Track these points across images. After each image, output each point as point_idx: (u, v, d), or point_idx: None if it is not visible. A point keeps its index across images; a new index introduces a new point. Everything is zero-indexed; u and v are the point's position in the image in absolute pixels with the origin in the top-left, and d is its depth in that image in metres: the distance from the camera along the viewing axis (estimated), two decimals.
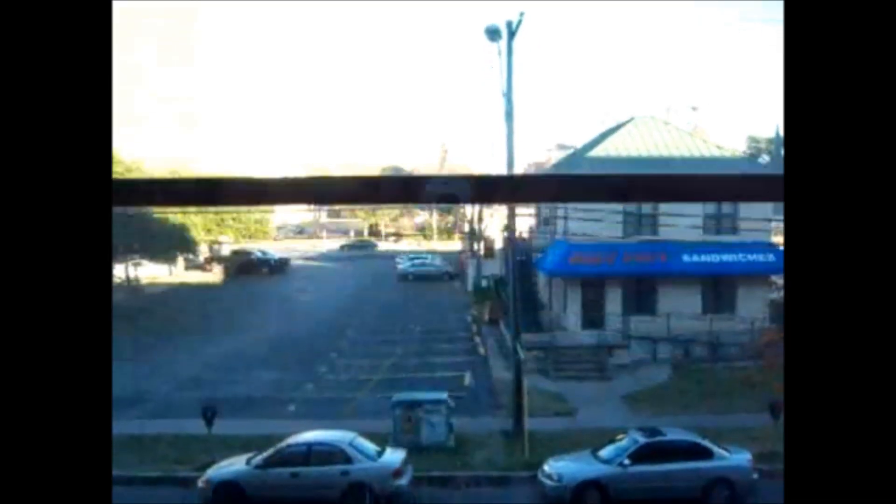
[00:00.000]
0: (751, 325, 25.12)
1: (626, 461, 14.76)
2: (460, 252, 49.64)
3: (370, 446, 15.32)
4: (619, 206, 25.84)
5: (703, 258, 25.62)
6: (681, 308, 25.48)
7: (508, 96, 18.95)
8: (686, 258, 25.54)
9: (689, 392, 22.11)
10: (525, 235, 34.50)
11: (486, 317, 31.60)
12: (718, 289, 26.37)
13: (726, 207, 26.27)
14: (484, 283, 36.68)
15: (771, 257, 25.66)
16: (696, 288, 26.18)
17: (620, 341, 25.04)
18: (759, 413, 18.02)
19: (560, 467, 15.09)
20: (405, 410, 17.60)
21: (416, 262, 47.28)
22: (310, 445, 15.12)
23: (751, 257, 25.69)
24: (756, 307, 25.71)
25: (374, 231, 71.15)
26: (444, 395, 18.14)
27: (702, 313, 25.87)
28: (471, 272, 40.05)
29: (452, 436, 17.76)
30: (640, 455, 14.90)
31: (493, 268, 38.01)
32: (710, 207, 26.17)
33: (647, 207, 26.11)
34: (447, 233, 65.76)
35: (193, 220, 38.12)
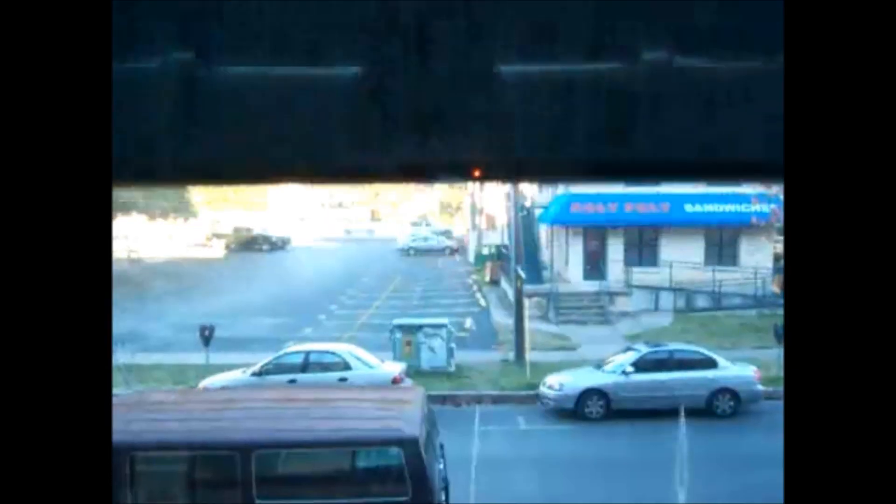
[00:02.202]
0: (753, 274, 24.98)
1: (629, 369, 14.58)
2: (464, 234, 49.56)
3: (368, 357, 15.18)
4: None
5: (707, 207, 25.43)
6: (683, 258, 25.30)
7: None
8: (689, 208, 25.37)
9: (692, 333, 21.94)
10: (526, 195, 34.32)
11: (488, 278, 31.49)
12: (722, 239, 26.22)
13: None
14: (485, 251, 36.60)
15: (774, 208, 25.47)
16: (698, 238, 26.01)
17: (622, 289, 24.89)
18: (761, 349, 17.93)
19: (562, 378, 14.91)
20: (404, 334, 17.42)
21: (417, 237, 47.22)
22: (308, 354, 14.99)
23: (754, 207, 25.51)
24: (759, 258, 25.56)
25: (374, 217, 71.05)
26: (444, 321, 17.99)
27: (704, 263, 25.70)
28: (472, 244, 39.94)
29: (453, 361, 17.58)
30: (644, 364, 14.73)
31: (496, 241, 37.89)
32: None
33: None
34: (449, 216, 65.56)
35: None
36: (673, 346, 15.62)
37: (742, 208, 25.48)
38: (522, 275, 17.68)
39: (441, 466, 8.38)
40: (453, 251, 44.48)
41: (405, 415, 8.05)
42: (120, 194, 31.09)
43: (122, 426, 7.25)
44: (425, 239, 46.75)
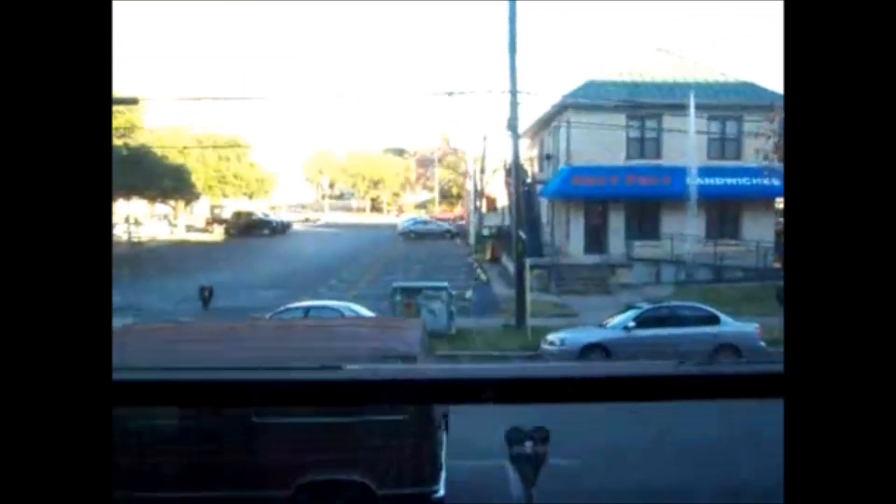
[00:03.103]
0: (755, 248, 24.87)
1: (631, 324, 14.48)
2: (461, 219, 49.39)
3: (368, 312, 15.11)
4: (622, 131, 25.64)
5: (707, 181, 25.30)
6: (684, 231, 25.19)
7: (512, 23, 18.28)
8: (689, 181, 25.23)
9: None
10: (528, 169, 34.18)
11: (489, 256, 31.43)
12: (723, 212, 26.10)
13: (730, 130, 26.04)
14: (486, 231, 36.55)
15: (775, 181, 25.34)
16: (700, 211, 25.88)
17: (624, 261, 24.80)
18: (762, 317, 17.84)
19: (562, 335, 14.82)
20: (405, 297, 17.32)
21: (418, 221, 47.19)
22: (307, 309, 14.91)
23: (755, 181, 25.38)
24: (760, 231, 25.47)
25: (375, 206, 70.96)
26: (444, 283, 17.92)
27: (705, 237, 25.58)
28: (473, 225, 39.84)
29: (453, 324, 17.50)
30: (646, 320, 14.63)
31: (497, 224, 37.80)
32: (715, 130, 25.93)
33: (650, 131, 25.88)
34: (450, 205, 65.50)
35: (194, 165, 37.91)
36: (675, 302, 15.52)
37: (743, 181, 25.42)
38: (523, 235, 17.57)
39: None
40: (453, 234, 44.40)
41: (403, 336, 7.98)
42: (119, 177, 30.98)
43: (116, 348, 7.16)
44: (425, 223, 46.70)
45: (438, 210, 64.53)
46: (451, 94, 19.22)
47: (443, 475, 7.34)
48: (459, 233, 44.30)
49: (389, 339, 8.04)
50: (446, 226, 46.24)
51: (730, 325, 14.71)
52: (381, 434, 7.12)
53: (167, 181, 32.60)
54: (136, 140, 34.11)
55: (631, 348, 14.18)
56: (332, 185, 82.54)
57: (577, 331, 15.08)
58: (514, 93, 17.47)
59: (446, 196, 67.42)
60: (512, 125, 18.24)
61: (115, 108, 30.59)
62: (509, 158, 22.44)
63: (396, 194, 72.94)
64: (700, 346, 14.23)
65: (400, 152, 77.23)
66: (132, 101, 17.30)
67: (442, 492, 7.24)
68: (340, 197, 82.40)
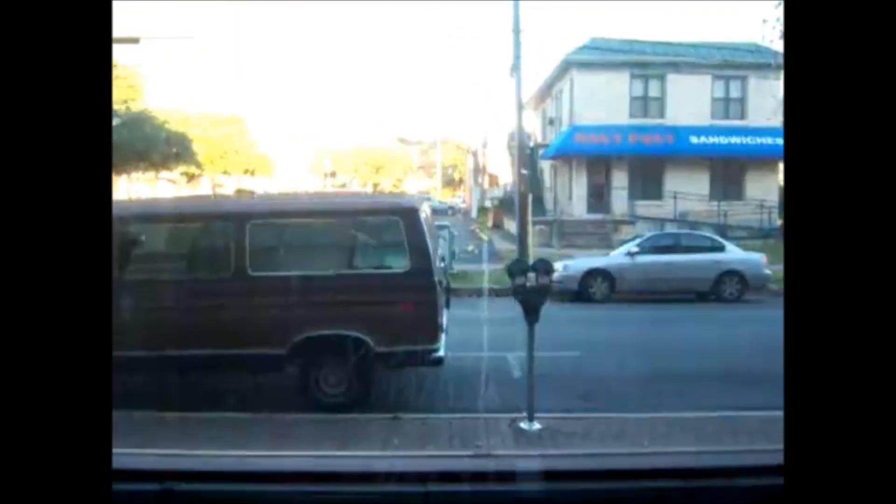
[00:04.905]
0: (759, 207, 24.71)
1: (635, 250, 14.32)
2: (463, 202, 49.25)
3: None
4: (625, 91, 25.50)
5: (711, 140, 25.16)
6: (688, 190, 25.04)
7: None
8: (694, 139, 25.09)
9: None
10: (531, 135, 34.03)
11: (490, 223, 31.32)
12: (727, 172, 25.92)
13: (734, 90, 25.87)
14: (488, 204, 36.43)
15: (780, 141, 25.18)
16: (704, 171, 25.73)
17: (627, 219, 24.65)
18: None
19: (565, 262, 14.67)
20: None
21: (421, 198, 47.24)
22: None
23: (760, 140, 25.23)
24: (764, 191, 25.31)
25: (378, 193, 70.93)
26: (446, 223, 17.78)
27: (709, 196, 25.43)
28: (475, 200, 39.74)
29: (455, 264, 17.33)
30: (650, 246, 14.46)
31: (498, 196, 37.60)
32: (719, 91, 25.78)
33: (654, 91, 25.72)
34: (452, 191, 65.40)
35: (197, 138, 37.79)
36: (680, 231, 15.36)
37: (747, 140, 25.25)
38: (525, 171, 17.41)
39: (442, 265, 8.14)
40: (456, 211, 44.36)
41: (406, 196, 7.87)
42: (119, 152, 30.72)
43: (118, 208, 6.99)
44: (427, 199, 46.69)
45: (440, 195, 64.39)
46: (455, 35, 18.89)
47: (443, 337, 7.15)
48: (461, 210, 44.28)
49: (391, 198, 7.94)
50: (449, 203, 46.22)
51: (735, 253, 14.55)
52: (380, 289, 6.94)
53: (170, 147, 32.42)
54: (138, 106, 34.00)
55: (634, 273, 14.02)
56: (334, 174, 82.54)
57: (579, 259, 14.93)
58: (517, 31, 17.36)
59: (449, 182, 67.31)
60: (515, 66, 18.08)
61: (114, 80, 30.45)
62: (510, 132, 22.30)
63: (399, 180, 72.84)
64: (704, 272, 14.08)
65: (403, 141, 77.21)
66: (133, 41, 17.15)
67: (441, 352, 7.03)
68: (343, 186, 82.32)
